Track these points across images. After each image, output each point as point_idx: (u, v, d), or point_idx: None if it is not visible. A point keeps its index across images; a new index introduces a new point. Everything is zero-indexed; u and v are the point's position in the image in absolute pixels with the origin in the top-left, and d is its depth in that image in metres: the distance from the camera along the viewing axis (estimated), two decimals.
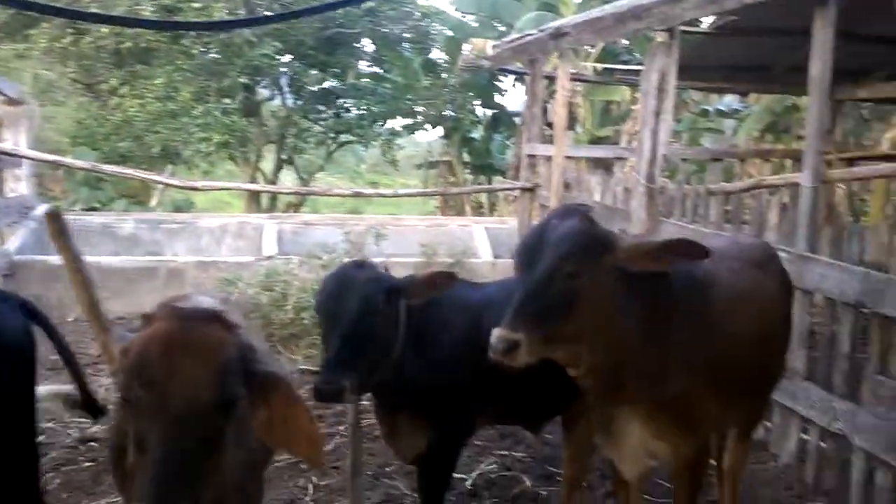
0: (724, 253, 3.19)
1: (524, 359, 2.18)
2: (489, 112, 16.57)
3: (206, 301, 2.54)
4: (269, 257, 7.78)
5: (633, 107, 13.30)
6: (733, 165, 9.95)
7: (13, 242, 7.45)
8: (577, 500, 3.62)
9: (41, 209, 1.86)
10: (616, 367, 2.40)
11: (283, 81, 13.68)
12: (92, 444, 4.60)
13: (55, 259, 5.98)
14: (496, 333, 2.20)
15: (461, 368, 2.87)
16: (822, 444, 4.24)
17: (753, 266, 3.16)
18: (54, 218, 1.89)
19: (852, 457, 3.97)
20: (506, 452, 4.58)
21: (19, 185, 8.19)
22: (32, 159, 8.14)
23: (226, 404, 1.68)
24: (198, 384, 1.63)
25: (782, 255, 4.46)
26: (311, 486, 4.11)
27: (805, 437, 4.43)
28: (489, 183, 15.67)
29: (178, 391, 1.60)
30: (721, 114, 15.24)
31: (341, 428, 4.88)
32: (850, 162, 8.08)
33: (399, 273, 8.66)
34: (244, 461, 1.95)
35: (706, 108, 15.38)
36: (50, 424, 4.62)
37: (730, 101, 15.54)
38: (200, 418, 1.61)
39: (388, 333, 2.72)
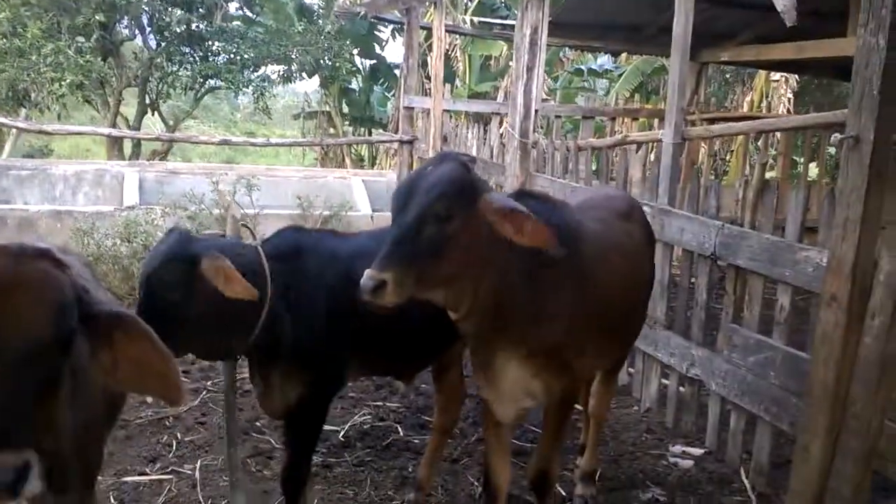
0: (591, 204, 3.32)
1: (391, 299, 2.17)
2: (368, 63, 16.27)
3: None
4: (130, 207, 7.32)
5: (510, 63, 13.42)
6: (605, 125, 10.25)
7: None
8: (444, 447, 3.67)
9: None
10: (494, 310, 2.44)
11: (144, 20, 12.77)
12: None
13: None
14: (366, 274, 2.19)
15: (331, 321, 2.80)
16: (681, 389, 4.48)
17: (619, 217, 3.27)
18: None
19: (709, 401, 4.21)
20: (380, 403, 4.58)
21: None
22: None
23: (60, 344, 1.57)
24: (29, 322, 1.52)
25: (645, 208, 4.63)
26: (174, 442, 3.95)
27: (665, 382, 4.66)
28: (369, 136, 15.44)
29: (8, 330, 1.49)
30: (594, 73, 15.65)
31: (208, 384, 4.72)
32: (712, 122, 8.46)
33: (273, 225, 8.43)
34: (84, 421, 1.80)
35: (580, 67, 15.74)
36: None
37: (603, 61, 15.99)
38: (33, 358, 1.51)
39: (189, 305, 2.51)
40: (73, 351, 1.62)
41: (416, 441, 4.13)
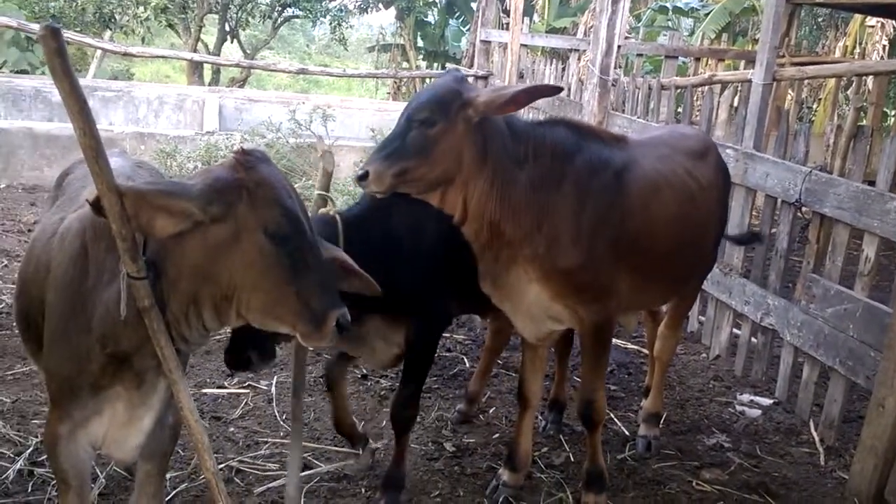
0: (656, 141, 3.27)
1: (373, 188, 2.45)
2: None
3: (114, 161, 2.39)
4: (210, 132, 7.49)
5: None
6: (688, 66, 9.88)
7: None
8: (493, 365, 3.85)
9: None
10: (490, 218, 2.57)
11: None
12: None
13: None
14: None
15: (437, 271, 2.83)
16: (753, 339, 4.41)
17: (689, 156, 3.19)
18: (54, 35, 1.73)
19: (782, 351, 4.14)
20: (448, 335, 4.64)
21: None
22: None
23: None
24: None
25: (729, 152, 4.50)
26: None
27: (737, 332, 4.59)
28: (443, 70, 15.27)
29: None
30: (679, 11, 14.99)
31: None
32: (803, 67, 8.07)
33: (347, 156, 8.52)
34: None
35: (665, 5, 15.10)
36: None
37: None
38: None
39: None
40: None
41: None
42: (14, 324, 4.29)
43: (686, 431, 3.75)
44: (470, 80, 9.97)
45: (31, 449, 3.12)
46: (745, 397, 4.15)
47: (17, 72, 10.69)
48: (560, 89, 2.94)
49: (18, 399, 3.52)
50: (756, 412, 3.99)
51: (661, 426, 3.64)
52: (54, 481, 2.91)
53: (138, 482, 2.27)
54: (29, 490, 2.90)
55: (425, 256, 2.81)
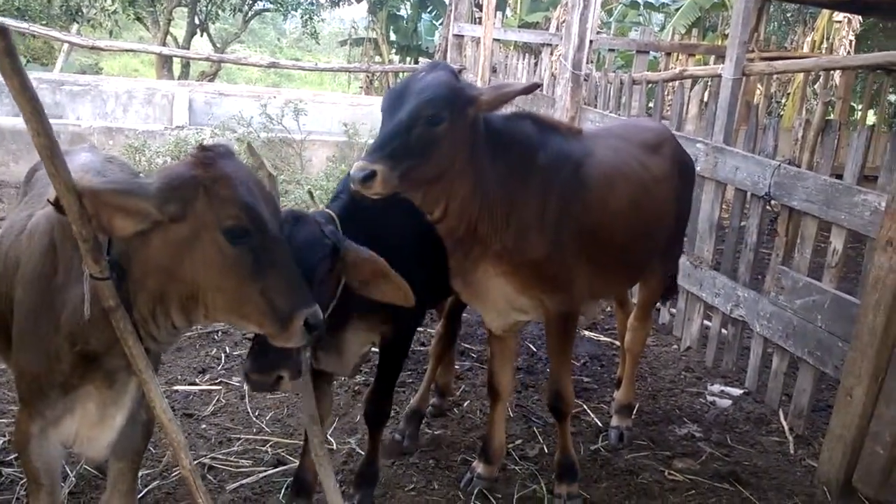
0: (612, 133, 3.33)
1: (378, 190, 2.28)
2: None
3: (84, 156, 2.35)
4: (180, 127, 7.39)
5: None
6: (659, 61, 9.94)
7: None
8: (454, 359, 3.83)
9: None
10: (468, 215, 2.56)
11: None
12: None
13: None
14: (356, 165, 2.29)
15: (415, 266, 2.75)
16: (724, 331, 4.46)
17: (643, 148, 3.22)
18: (2, 35, 1.69)
19: (751, 342, 4.20)
20: (421, 329, 4.63)
21: None
22: None
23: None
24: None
25: (699, 146, 4.55)
26: (223, 356, 4.08)
27: (707, 323, 4.65)
28: (416, 65, 15.23)
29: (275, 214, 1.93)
30: (650, 7, 15.12)
31: None
32: (771, 62, 8.17)
33: (319, 151, 8.45)
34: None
35: (636, 0, 15.21)
36: None
37: None
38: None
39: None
40: None
41: (455, 366, 4.19)
42: None
43: (658, 422, 3.79)
44: None
45: None
46: (716, 388, 4.20)
47: None
48: (539, 85, 2.92)
49: None
50: (726, 402, 4.04)
51: (633, 417, 3.67)
52: (23, 480, 2.87)
53: (111, 480, 2.24)
54: None
55: (406, 252, 2.77)
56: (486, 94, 2.48)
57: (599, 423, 3.70)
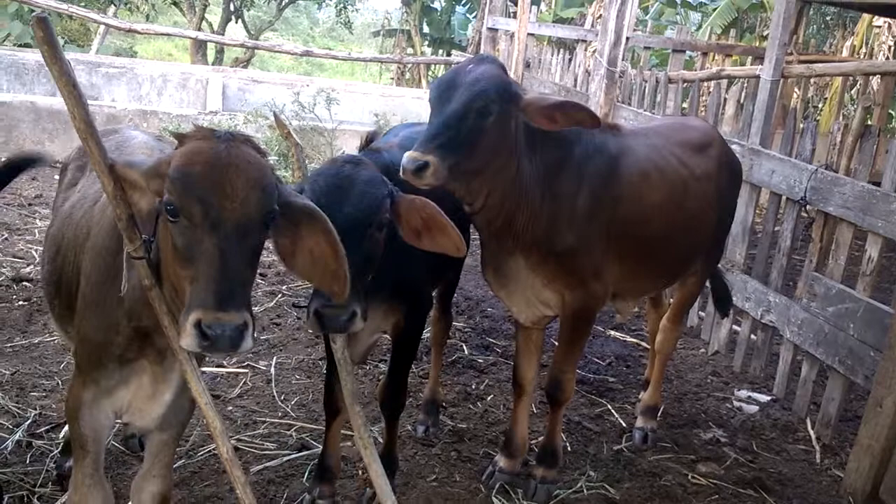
0: (654, 131, 3.29)
1: (430, 181, 2.29)
2: None
3: (140, 136, 2.44)
4: (213, 112, 7.45)
5: None
6: (695, 60, 9.83)
7: None
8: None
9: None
10: (507, 208, 2.57)
11: None
12: (25, 283, 4.49)
13: None
14: (407, 155, 2.29)
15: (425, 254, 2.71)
16: (753, 336, 4.41)
17: (683, 145, 3.18)
18: (42, 24, 1.75)
19: (781, 349, 4.14)
20: None
21: None
22: None
23: (265, 221, 1.76)
24: (244, 200, 1.69)
25: (734, 147, 4.47)
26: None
27: (736, 328, 4.59)
28: (448, 57, 15.20)
29: (226, 207, 1.67)
30: (687, 5, 14.96)
31: (283, 287, 4.87)
32: (810, 65, 8.05)
33: (350, 141, 8.47)
34: None
35: None
36: None
37: None
38: (247, 233, 1.70)
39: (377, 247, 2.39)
40: (271, 229, 1.80)
41: (479, 360, 4.20)
42: (13, 297, 4.31)
43: (683, 425, 3.76)
44: None
45: (29, 421, 3.12)
46: (743, 393, 4.15)
47: (20, 45, 10.62)
48: (598, 123, 2.62)
49: (17, 371, 3.52)
50: (753, 408, 4.00)
51: (658, 419, 3.65)
52: (53, 452, 2.92)
53: (151, 451, 2.27)
54: (27, 461, 2.90)
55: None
56: (529, 95, 2.51)
57: (623, 424, 3.68)
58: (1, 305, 4.20)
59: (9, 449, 2.94)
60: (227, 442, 2.10)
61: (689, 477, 3.26)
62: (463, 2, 16.02)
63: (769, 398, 4.10)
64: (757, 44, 11.43)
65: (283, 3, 14.66)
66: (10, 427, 3.08)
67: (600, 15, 11.59)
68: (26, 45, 10.63)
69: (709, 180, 3.19)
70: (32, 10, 10.91)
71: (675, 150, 3.11)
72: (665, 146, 3.10)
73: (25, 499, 2.70)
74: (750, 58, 9.24)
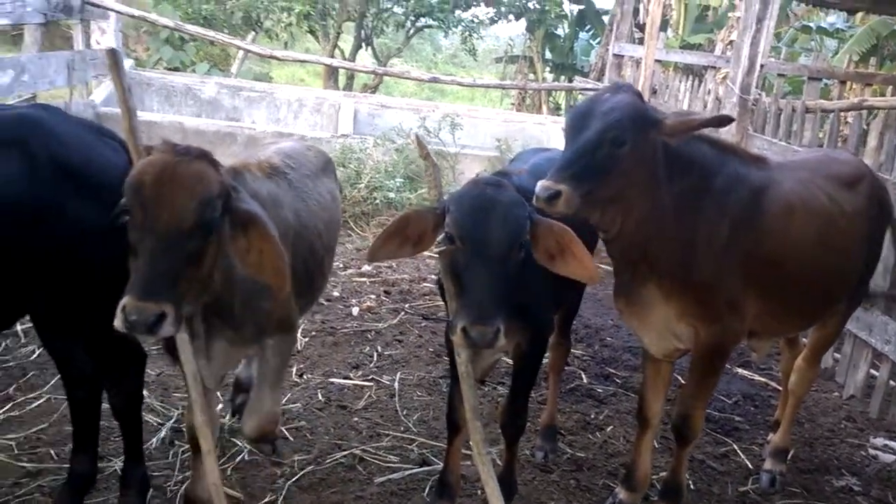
0: (801, 165, 3.17)
1: (562, 209, 2.32)
2: (577, 8, 15.89)
3: (287, 144, 3.01)
4: (345, 135, 7.76)
5: (730, 14, 12.57)
6: (831, 89, 9.40)
7: (99, 94, 7.60)
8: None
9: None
10: (643, 235, 2.56)
11: None
12: None
13: (140, 112, 6.08)
14: (541, 184, 2.33)
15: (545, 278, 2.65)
16: (892, 381, 4.16)
17: (832, 179, 3.05)
18: (112, 54, 2.26)
19: None
20: None
21: (105, 39, 8.25)
22: (118, 12, 8.15)
23: (202, 228, 1.96)
24: (178, 210, 1.93)
25: None
26: (375, 354, 4.27)
27: (874, 371, 4.35)
28: (569, 83, 15.18)
29: (161, 215, 1.92)
30: (823, 32, 14.32)
31: (406, 305, 5.00)
32: None
33: (471, 165, 8.60)
34: (250, 284, 2.23)
35: (808, 24, 14.45)
36: None
37: (834, 20, 14.58)
38: (179, 237, 1.93)
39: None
40: (215, 233, 2.01)
41: (598, 390, 4.16)
42: None
43: (813, 470, 3.59)
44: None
45: (173, 420, 3.35)
46: (880, 441, 3.92)
47: (170, 69, 11.45)
48: (732, 120, 2.74)
49: (162, 372, 3.78)
50: (890, 457, 3.77)
51: (787, 463, 3.50)
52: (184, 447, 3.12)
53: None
54: (169, 458, 3.11)
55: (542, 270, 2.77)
56: (670, 119, 2.48)
57: (750, 465, 3.56)
58: None
59: (153, 445, 3.17)
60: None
61: None
62: (587, 28, 15.96)
63: None
64: None
65: (411, 32, 15.08)
66: (156, 424, 3.32)
67: (731, 41, 11.30)
68: (175, 69, 11.45)
69: (858, 217, 3.05)
70: (182, 38, 11.79)
71: (823, 185, 2.99)
72: (812, 180, 2.98)
73: (168, 493, 2.90)
74: (890, 87, 8.75)
